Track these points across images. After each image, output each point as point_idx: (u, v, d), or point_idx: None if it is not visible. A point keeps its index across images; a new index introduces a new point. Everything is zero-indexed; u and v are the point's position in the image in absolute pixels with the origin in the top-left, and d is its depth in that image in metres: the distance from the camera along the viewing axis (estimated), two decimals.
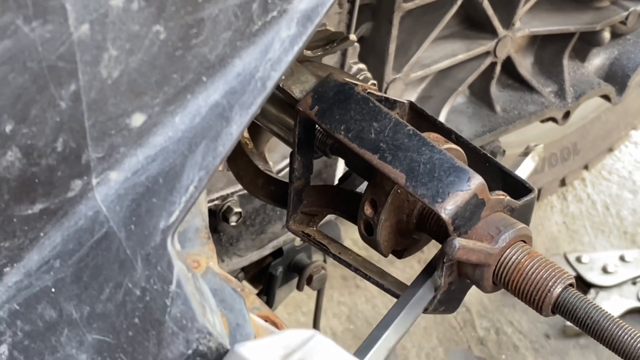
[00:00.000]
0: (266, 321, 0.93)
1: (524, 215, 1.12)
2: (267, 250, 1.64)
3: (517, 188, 1.14)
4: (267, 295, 1.71)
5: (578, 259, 2.33)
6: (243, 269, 1.69)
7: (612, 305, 2.24)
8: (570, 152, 2.41)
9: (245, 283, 1.74)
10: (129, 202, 0.80)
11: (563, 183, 2.48)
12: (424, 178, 1.04)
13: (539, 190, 2.41)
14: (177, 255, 0.81)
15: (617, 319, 1.05)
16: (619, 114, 2.45)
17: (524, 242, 1.08)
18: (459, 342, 2.17)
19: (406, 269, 2.27)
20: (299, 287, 1.74)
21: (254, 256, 1.63)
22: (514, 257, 1.07)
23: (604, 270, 2.30)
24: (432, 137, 1.12)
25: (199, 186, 0.80)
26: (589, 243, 2.45)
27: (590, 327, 1.05)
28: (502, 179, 1.16)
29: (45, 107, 0.74)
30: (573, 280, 1.07)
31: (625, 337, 1.04)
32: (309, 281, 1.73)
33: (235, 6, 0.79)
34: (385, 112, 1.10)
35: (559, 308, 1.06)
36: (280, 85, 1.17)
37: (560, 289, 1.06)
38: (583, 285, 2.29)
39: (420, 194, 1.04)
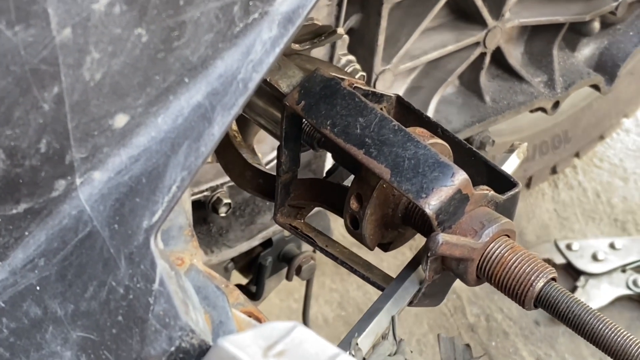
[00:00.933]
0: (250, 317, 0.94)
1: (508, 209, 1.13)
2: (256, 240, 1.65)
3: (502, 182, 1.15)
4: (257, 285, 1.72)
5: (568, 246, 2.33)
6: (233, 260, 1.69)
7: (601, 292, 2.24)
8: (562, 140, 2.41)
9: (234, 273, 1.75)
10: (113, 202, 0.81)
11: (554, 171, 2.49)
12: (408, 173, 1.05)
13: (530, 178, 2.42)
14: (160, 254, 0.82)
15: (598, 313, 1.07)
16: (610, 102, 2.45)
17: (508, 236, 1.09)
18: (449, 329, 2.19)
19: (398, 256, 2.28)
20: (288, 278, 1.74)
21: (243, 247, 1.63)
22: (497, 251, 1.08)
23: (594, 257, 2.30)
24: (417, 131, 1.13)
25: (182, 186, 0.81)
26: (579, 230, 2.46)
27: (571, 320, 1.07)
28: (487, 173, 1.17)
29: (28, 109, 0.75)
30: (555, 275, 1.08)
31: (606, 330, 1.05)
32: (298, 271, 1.74)
33: (217, 8, 0.80)
34: (370, 108, 1.11)
35: (541, 302, 1.07)
36: (268, 79, 1.17)
37: (542, 283, 1.07)
38: (573, 272, 2.29)
39: (404, 189, 1.05)
